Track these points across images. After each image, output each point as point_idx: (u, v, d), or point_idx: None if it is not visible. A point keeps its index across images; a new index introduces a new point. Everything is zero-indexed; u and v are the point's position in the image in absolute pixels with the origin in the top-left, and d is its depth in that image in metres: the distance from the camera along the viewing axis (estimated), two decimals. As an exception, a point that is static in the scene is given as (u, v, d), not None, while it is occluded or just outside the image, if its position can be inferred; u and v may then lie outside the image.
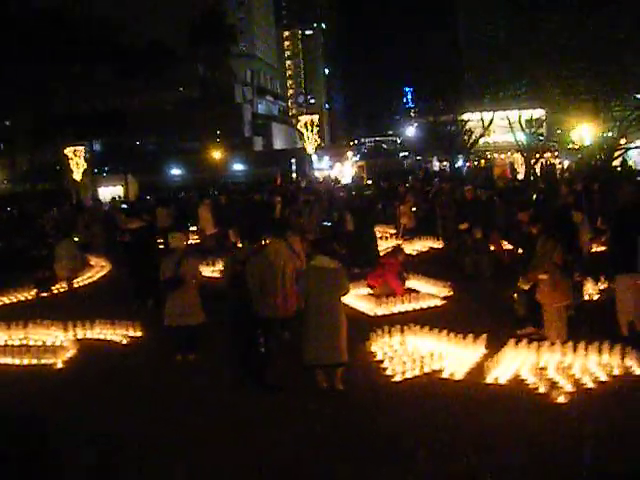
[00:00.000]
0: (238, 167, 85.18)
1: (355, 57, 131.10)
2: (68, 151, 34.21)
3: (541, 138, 49.80)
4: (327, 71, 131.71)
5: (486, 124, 47.87)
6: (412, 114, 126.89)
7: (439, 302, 13.22)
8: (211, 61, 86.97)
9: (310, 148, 32.45)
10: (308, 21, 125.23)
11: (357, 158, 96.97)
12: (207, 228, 21.33)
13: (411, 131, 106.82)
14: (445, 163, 56.94)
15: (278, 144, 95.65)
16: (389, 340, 10.57)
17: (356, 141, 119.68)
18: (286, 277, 10.47)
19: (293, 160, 47.96)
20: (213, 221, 21.05)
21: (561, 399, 8.07)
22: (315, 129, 32.43)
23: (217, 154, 74.59)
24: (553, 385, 8.51)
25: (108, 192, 58.07)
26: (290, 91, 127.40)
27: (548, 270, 9.90)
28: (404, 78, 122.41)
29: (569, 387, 8.43)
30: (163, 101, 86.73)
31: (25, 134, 74.74)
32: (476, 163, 55.93)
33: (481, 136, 47.91)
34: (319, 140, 34.19)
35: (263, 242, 11.13)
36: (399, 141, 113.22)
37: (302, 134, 32.36)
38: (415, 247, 19.92)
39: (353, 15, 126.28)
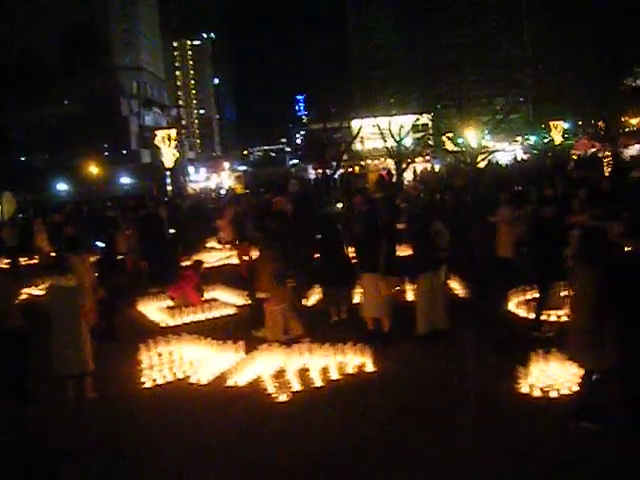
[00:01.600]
0: (125, 180, 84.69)
1: (245, 66, 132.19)
2: None
3: (429, 142, 51.87)
4: (217, 81, 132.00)
5: (355, 132, 49.21)
6: (304, 121, 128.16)
7: (232, 311, 13.96)
8: (93, 74, 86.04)
9: (168, 162, 32.69)
10: (196, 31, 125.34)
11: (244, 168, 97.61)
12: (44, 247, 21.58)
13: (299, 139, 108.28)
14: (320, 171, 58.12)
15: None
16: (161, 349, 11.17)
17: (247, 151, 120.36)
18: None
19: (168, 173, 48.02)
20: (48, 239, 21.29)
21: (282, 398, 8.87)
22: (173, 143, 32.72)
23: (102, 168, 73.78)
24: (284, 385, 9.30)
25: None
26: (180, 102, 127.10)
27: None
28: (295, 85, 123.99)
29: (297, 387, 9.24)
30: (48, 116, 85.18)
31: None
32: (350, 170, 57.30)
33: (351, 144, 49.13)
34: (178, 154, 34.37)
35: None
36: (289, 149, 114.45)
37: (159, 149, 32.61)
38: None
39: (241, 24, 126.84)
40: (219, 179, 56.86)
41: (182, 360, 10.63)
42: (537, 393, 8.28)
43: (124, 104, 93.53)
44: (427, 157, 54.88)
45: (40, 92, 79.89)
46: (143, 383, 9.92)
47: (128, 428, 8.49)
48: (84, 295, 9.99)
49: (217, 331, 12.05)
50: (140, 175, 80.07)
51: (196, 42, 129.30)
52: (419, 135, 55.36)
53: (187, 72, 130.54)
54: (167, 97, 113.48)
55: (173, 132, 33.34)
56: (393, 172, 49.91)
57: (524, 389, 8.38)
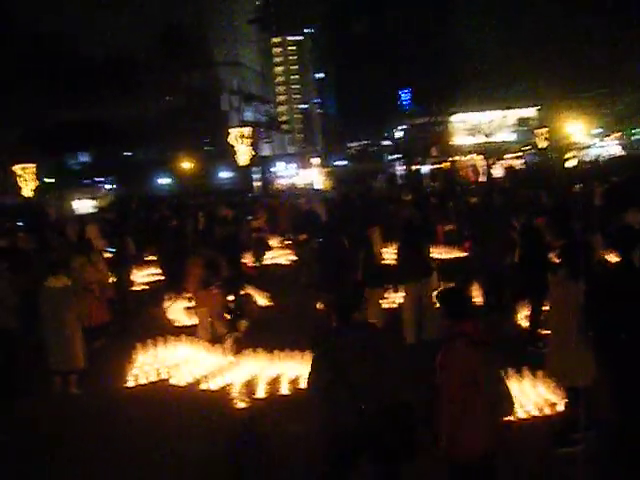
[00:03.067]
0: (224, 175, 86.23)
1: (347, 60, 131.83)
2: (16, 168, 35.19)
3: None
4: (319, 75, 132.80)
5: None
6: (408, 116, 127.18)
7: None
8: (193, 70, 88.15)
9: (242, 160, 33.25)
10: (297, 26, 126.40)
11: (343, 163, 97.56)
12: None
13: (401, 134, 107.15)
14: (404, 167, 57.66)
15: (266, 150, 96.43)
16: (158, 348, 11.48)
17: (348, 145, 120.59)
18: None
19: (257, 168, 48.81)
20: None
21: (242, 405, 9.02)
22: (247, 141, 33.24)
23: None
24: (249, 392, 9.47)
25: (81, 205, 59.21)
26: (280, 97, 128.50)
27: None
28: (401, 80, 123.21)
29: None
30: (150, 110, 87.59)
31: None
32: (439, 166, 56.65)
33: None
34: (253, 152, 34.91)
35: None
36: (389, 144, 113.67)
37: (232, 147, 33.19)
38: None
39: (343, 17, 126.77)
40: (308, 175, 57.18)
41: (170, 361, 10.90)
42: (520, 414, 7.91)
43: (224, 99, 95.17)
44: (521, 153, 53.54)
45: (139, 87, 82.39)
46: (127, 382, 10.23)
47: (89, 424, 8.82)
48: (76, 295, 10.45)
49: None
50: (239, 170, 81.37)
51: (297, 37, 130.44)
52: (522, 129, 54.41)
53: (288, 67, 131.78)
54: (267, 92, 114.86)
55: (247, 130, 33.87)
56: (480, 169, 49.09)
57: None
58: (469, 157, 54.98)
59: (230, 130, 34.73)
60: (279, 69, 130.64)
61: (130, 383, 10.24)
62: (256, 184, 54.19)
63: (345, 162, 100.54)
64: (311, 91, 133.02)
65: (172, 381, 10.18)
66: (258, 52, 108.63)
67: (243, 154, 33.37)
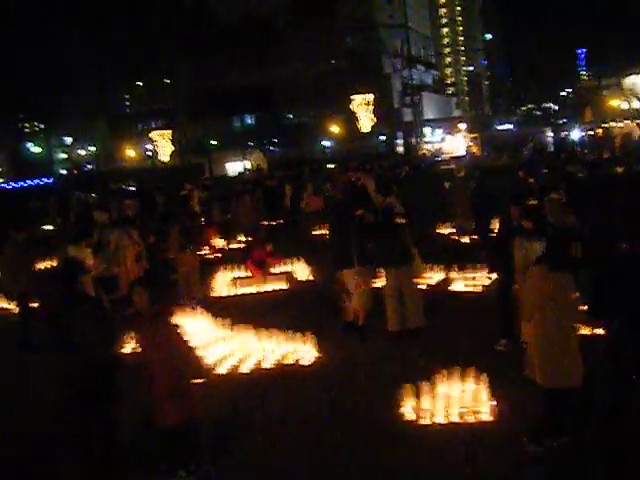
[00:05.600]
0: (383, 138, 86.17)
1: (518, 19, 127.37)
2: (154, 135, 37.21)
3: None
4: (489, 36, 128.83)
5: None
6: (586, 77, 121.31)
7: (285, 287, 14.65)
8: (355, 32, 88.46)
9: (366, 127, 33.32)
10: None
11: (509, 127, 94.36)
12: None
13: (573, 97, 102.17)
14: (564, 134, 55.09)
15: (429, 114, 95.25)
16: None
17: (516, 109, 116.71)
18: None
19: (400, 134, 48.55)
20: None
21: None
22: (370, 107, 33.22)
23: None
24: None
25: (235, 167, 61.71)
26: (447, 59, 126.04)
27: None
28: (577, 37, 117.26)
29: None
30: (313, 72, 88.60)
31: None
32: (591, 132, 53.78)
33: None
34: (375, 119, 34.82)
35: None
36: (557, 108, 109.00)
37: (355, 115, 33.17)
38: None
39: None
40: (455, 140, 56.04)
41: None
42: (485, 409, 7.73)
43: (386, 62, 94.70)
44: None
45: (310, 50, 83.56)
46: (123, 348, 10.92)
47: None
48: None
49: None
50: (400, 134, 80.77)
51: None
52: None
53: (455, 28, 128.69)
54: (433, 55, 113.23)
55: (370, 97, 33.84)
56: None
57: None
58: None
59: (353, 97, 34.77)
60: (445, 30, 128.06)
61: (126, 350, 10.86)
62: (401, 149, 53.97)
63: (511, 126, 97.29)
64: (479, 53, 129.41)
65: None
66: (424, 14, 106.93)
67: (366, 121, 33.41)
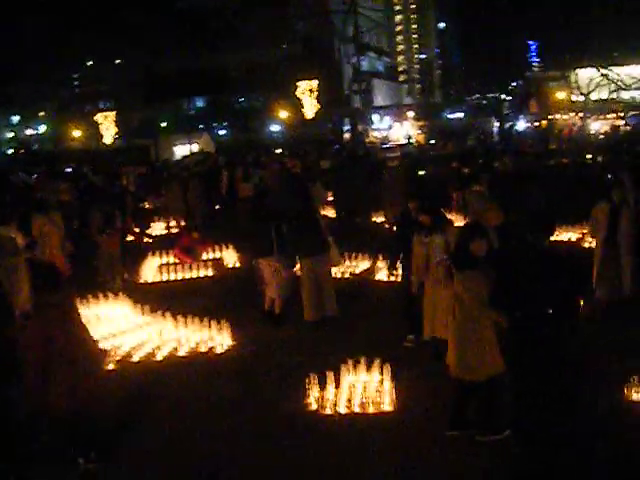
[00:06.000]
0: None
1: (471, 10, 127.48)
2: (98, 117, 36.79)
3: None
4: (442, 25, 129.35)
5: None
6: (536, 69, 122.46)
7: (211, 273, 14.62)
8: (308, 18, 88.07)
9: (309, 114, 33.29)
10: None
11: (460, 115, 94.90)
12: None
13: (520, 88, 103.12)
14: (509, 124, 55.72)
15: (380, 101, 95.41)
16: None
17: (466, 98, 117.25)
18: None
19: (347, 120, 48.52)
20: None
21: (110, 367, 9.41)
22: (314, 94, 33.19)
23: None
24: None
25: (182, 151, 60.94)
26: (400, 47, 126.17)
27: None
28: (528, 30, 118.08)
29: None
30: (266, 57, 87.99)
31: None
32: (536, 124, 54.56)
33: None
34: (319, 105, 34.82)
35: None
36: (509, 98, 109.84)
37: (300, 100, 33.19)
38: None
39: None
40: (402, 128, 56.45)
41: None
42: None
43: (338, 48, 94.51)
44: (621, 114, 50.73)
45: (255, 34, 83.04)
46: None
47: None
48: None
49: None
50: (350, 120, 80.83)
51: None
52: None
53: (409, 16, 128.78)
54: (386, 43, 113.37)
55: (314, 83, 33.80)
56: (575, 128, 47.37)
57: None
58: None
59: (298, 83, 34.69)
60: (399, 17, 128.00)
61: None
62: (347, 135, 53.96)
63: (461, 115, 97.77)
64: (432, 41, 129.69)
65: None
66: (379, 1, 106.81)
67: (310, 107, 33.38)
